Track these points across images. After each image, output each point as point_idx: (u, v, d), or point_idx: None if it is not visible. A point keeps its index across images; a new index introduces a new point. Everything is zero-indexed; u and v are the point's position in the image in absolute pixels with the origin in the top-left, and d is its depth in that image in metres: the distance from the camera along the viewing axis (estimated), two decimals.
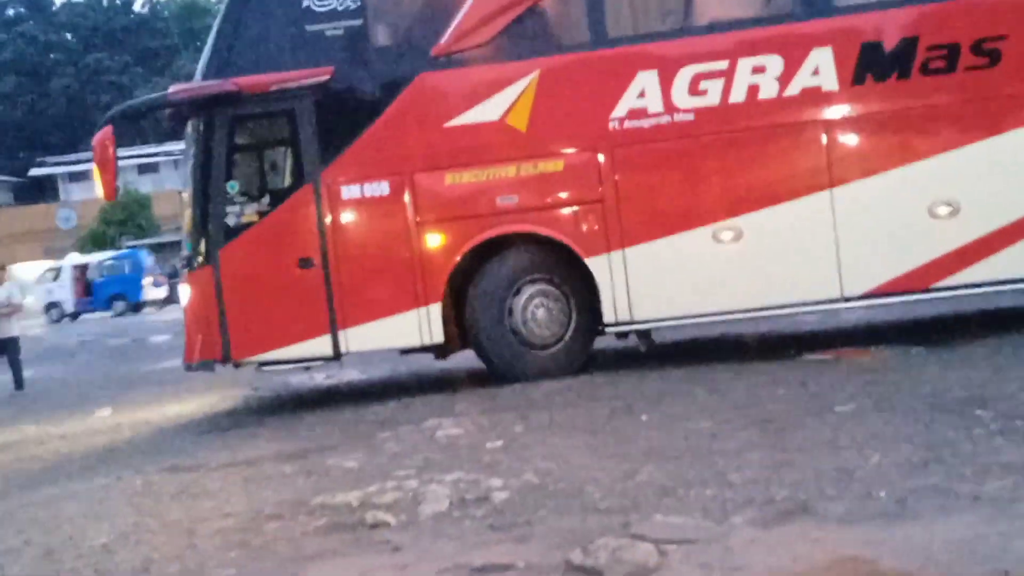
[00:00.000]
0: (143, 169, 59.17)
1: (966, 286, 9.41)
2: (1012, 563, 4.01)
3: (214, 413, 10.71)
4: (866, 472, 5.43)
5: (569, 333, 9.92)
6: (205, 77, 10.14)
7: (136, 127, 51.82)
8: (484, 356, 10.11)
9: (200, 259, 10.04)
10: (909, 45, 9.40)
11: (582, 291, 9.83)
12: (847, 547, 4.39)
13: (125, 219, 51.07)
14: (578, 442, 7.01)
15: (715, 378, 8.95)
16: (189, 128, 10.38)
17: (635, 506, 5.30)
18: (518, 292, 9.89)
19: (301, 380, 12.34)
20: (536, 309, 9.89)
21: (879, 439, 6.11)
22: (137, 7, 65.24)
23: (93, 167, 10.19)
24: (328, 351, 9.95)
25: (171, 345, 20.49)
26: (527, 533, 5.11)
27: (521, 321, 9.88)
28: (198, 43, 64.08)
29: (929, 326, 10.58)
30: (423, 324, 9.81)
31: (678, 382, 9.02)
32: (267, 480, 6.99)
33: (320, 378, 12.34)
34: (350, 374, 12.43)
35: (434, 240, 9.87)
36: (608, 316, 9.74)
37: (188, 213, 10.32)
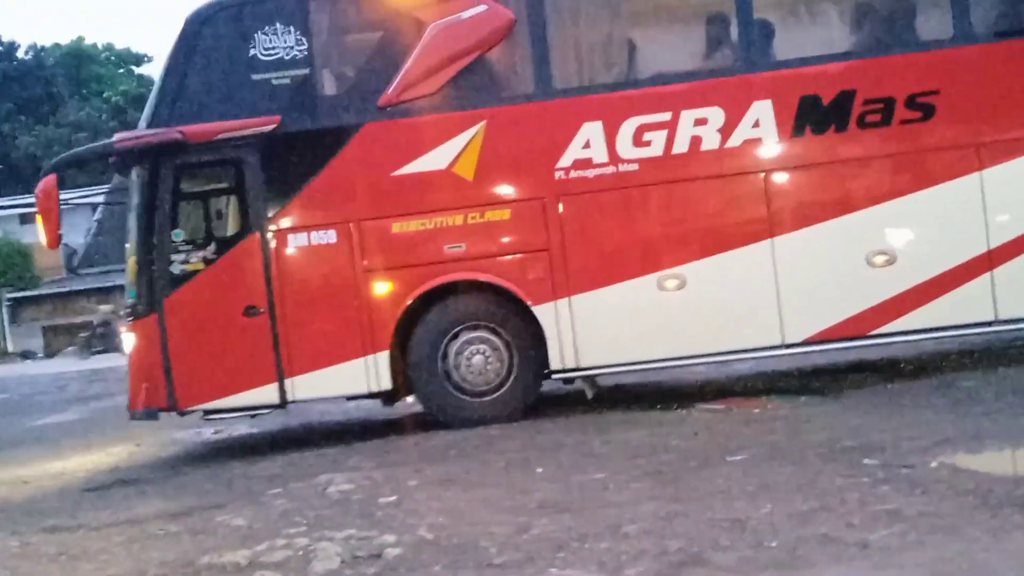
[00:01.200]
0: (24, 219, 57.60)
1: (903, 333, 9.59)
2: None
3: (97, 470, 10.34)
4: (758, 522, 5.47)
5: (510, 381, 9.88)
6: (150, 125, 9.99)
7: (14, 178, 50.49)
8: (423, 402, 10.09)
9: (145, 307, 9.87)
10: (846, 99, 9.64)
11: (524, 338, 9.82)
12: None
13: (4, 270, 49.53)
14: (473, 496, 6.93)
15: (610, 428, 8.97)
16: (133, 176, 10.21)
17: (530, 560, 5.24)
18: (455, 338, 9.85)
19: (188, 435, 12.03)
20: (472, 356, 9.85)
21: (770, 489, 6.17)
22: (21, 53, 63.70)
23: (36, 215, 9.96)
24: (275, 399, 9.84)
25: (54, 400, 19.89)
26: None
27: (454, 366, 9.84)
28: (84, 91, 63.08)
29: (818, 376, 10.77)
30: (371, 372, 9.74)
31: (573, 432, 9.01)
32: (151, 540, 6.74)
33: (208, 433, 12.04)
34: (240, 428, 12.15)
35: (381, 288, 9.82)
36: (555, 363, 9.76)
37: (132, 261, 10.13)
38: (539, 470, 7.56)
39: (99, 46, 65.58)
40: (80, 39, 64.72)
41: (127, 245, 10.42)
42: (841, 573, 4.58)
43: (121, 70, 65.07)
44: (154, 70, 76.82)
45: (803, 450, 7.16)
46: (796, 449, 7.22)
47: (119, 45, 66.34)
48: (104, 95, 61.76)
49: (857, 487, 5.97)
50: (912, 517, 5.24)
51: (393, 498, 7.06)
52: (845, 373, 10.56)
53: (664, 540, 5.30)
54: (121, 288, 39.80)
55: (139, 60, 65.95)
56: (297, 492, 7.71)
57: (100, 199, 48.16)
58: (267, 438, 11.20)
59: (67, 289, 46.97)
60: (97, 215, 48.76)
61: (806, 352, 10.12)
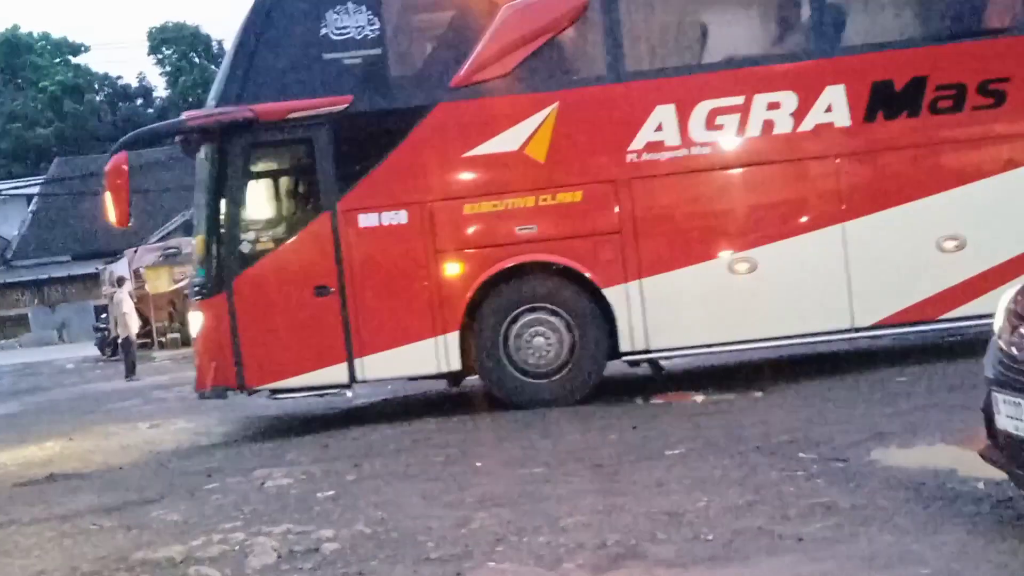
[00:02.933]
0: None
1: (971, 318, 9.58)
2: None
3: (29, 465, 10.16)
4: (694, 515, 5.51)
5: (572, 362, 9.83)
6: (220, 103, 9.90)
7: None
8: (488, 383, 10.06)
9: (214, 286, 9.80)
10: (919, 85, 9.71)
11: (589, 320, 9.79)
12: None
13: None
14: (412, 490, 6.91)
15: (549, 422, 8.99)
16: (202, 154, 10.10)
17: (468, 554, 5.24)
18: (516, 319, 9.81)
19: (123, 429, 11.86)
20: (533, 337, 9.82)
21: (707, 482, 6.22)
22: None
23: (105, 193, 9.86)
24: (344, 379, 9.82)
25: None
26: None
27: (516, 348, 9.81)
28: (19, 80, 61.93)
29: (755, 371, 10.87)
30: (440, 352, 9.73)
31: (513, 427, 9.03)
32: (85, 535, 6.63)
33: (144, 427, 11.88)
34: (178, 423, 12.01)
35: (452, 269, 9.80)
36: (624, 345, 9.75)
37: (200, 240, 10.05)
38: (478, 464, 7.56)
39: (35, 35, 64.37)
40: (16, 27, 63.51)
41: (195, 224, 10.40)
42: (776, 565, 4.63)
43: (58, 60, 63.96)
44: (91, 60, 75.78)
45: (740, 444, 7.23)
46: (733, 443, 7.29)
47: (56, 34, 65.22)
48: (40, 85, 60.71)
49: (792, 481, 6.04)
50: (846, 510, 5.31)
51: (331, 492, 7.02)
52: (782, 368, 10.67)
53: (602, 533, 5.32)
54: (57, 281, 39.18)
55: (76, 50, 64.89)
56: (234, 487, 7.64)
57: (36, 190, 47.50)
58: (204, 432, 11.07)
59: (1, 281, 46.18)
60: (32, 206, 47.96)
61: (873, 334, 10.15)
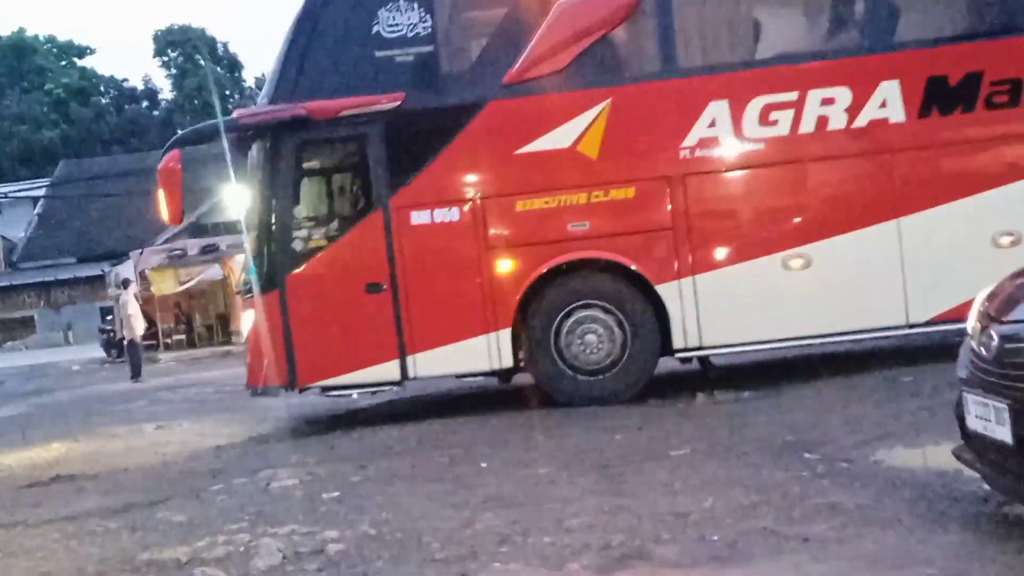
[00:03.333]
0: None
1: None
2: None
3: (35, 467, 10.17)
4: (700, 515, 5.50)
5: (623, 359, 9.80)
6: (272, 101, 9.92)
7: None
8: (538, 380, 10.03)
9: (266, 284, 9.84)
10: (974, 80, 9.68)
11: (641, 317, 9.77)
12: None
13: None
14: (417, 491, 6.91)
15: (554, 423, 9.00)
16: (254, 152, 10.12)
17: (473, 555, 5.23)
18: (567, 317, 9.79)
19: (129, 431, 11.88)
20: (585, 334, 9.79)
21: (712, 483, 6.21)
22: None
23: (158, 191, 9.90)
24: (395, 376, 9.83)
25: None
26: None
27: (567, 345, 9.79)
28: (24, 83, 62.06)
29: (760, 371, 10.86)
30: (492, 349, 9.74)
31: (518, 428, 9.03)
32: (90, 536, 6.64)
33: (150, 428, 11.90)
34: (183, 425, 12.02)
35: (504, 266, 9.80)
36: (678, 342, 9.73)
37: (253, 238, 10.08)
38: (483, 465, 7.55)
39: (41, 38, 64.54)
40: (21, 30, 63.70)
41: (246, 221, 10.44)
42: (781, 566, 4.62)
43: (63, 62, 64.17)
44: (97, 62, 75.92)
45: (745, 445, 7.23)
46: (738, 444, 7.29)
47: (61, 37, 65.42)
48: (46, 87, 60.87)
49: (798, 481, 6.03)
50: (851, 510, 5.30)
51: (336, 494, 7.02)
52: (787, 368, 10.66)
53: (607, 534, 5.31)
54: (63, 283, 39.22)
55: (82, 52, 65.13)
56: (239, 488, 7.64)
57: (42, 192, 47.59)
58: (209, 434, 11.07)
59: (6, 284, 46.27)
60: (38, 209, 48.07)
61: (930, 330, 10.01)
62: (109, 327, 30.09)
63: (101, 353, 30.45)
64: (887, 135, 9.76)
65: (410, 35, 9.83)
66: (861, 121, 9.74)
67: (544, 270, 9.77)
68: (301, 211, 10.13)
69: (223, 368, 21.86)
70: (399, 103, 9.75)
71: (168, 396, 16.28)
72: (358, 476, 7.61)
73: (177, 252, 30.86)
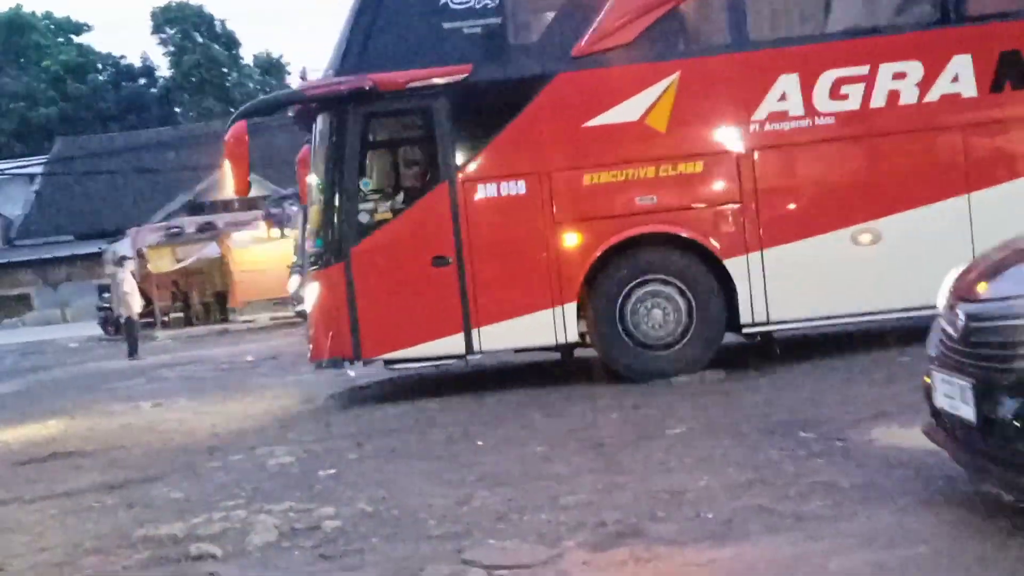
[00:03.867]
0: None
1: None
2: None
3: (32, 443, 10.18)
4: (695, 494, 5.51)
5: (689, 334, 9.77)
6: (338, 72, 9.87)
7: None
8: (602, 355, 9.98)
9: (331, 257, 9.82)
10: None
11: (707, 292, 9.73)
12: (676, 568, 4.44)
13: None
14: (413, 469, 6.93)
15: (551, 402, 9.01)
16: (320, 124, 10.08)
17: (468, 532, 5.25)
18: (632, 292, 9.75)
19: (126, 408, 11.89)
20: (651, 309, 9.75)
21: (708, 461, 6.23)
22: None
23: (226, 161, 9.90)
24: (460, 350, 9.80)
25: None
26: (358, 562, 5.00)
27: (632, 319, 9.73)
28: (22, 60, 61.79)
29: (758, 350, 10.87)
30: (558, 323, 9.68)
31: (515, 406, 9.04)
32: (87, 512, 6.66)
33: (146, 406, 11.90)
34: (180, 402, 12.02)
35: (571, 239, 9.74)
36: (745, 317, 9.69)
37: (317, 210, 10.06)
38: (480, 443, 7.57)
39: (38, 14, 64.23)
40: (18, 7, 63.38)
41: (311, 194, 10.40)
42: (775, 543, 4.63)
43: (61, 39, 63.88)
44: (94, 39, 75.53)
45: (740, 423, 7.24)
46: (733, 422, 7.30)
47: (59, 14, 65.12)
48: (43, 64, 60.63)
49: (793, 460, 6.04)
50: (846, 489, 5.31)
51: (333, 471, 7.04)
52: (784, 348, 10.66)
53: (602, 512, 5.33)
54: (60, 260, 38.92)
55: (79, 29, 64.86)
56: (236, 465, 7.66)
57: (39, 169, 47.47)
58: (206, 411, 11.08)
59: (3, 261, 46.20)
60: (35, 186, 47.94)
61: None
62: (106, 305, 30.06)
63: (98, 331, 30.45)
64: (959, 110, 9.69)
65: (478, 6, 9.76)
66: (933, 95, 9.67)
67: (611, 244, 9.71)
68: (367, 184, 10.06)
69: (221, 346, 21.89)
70: (467, 75, 9.71)
71: (165, 374, 16.29)
72: (355, 454, 7.63)
73: (174, 230, 30.78)
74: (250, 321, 29.38)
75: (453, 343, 9.77)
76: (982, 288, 4.79)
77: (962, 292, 4.79)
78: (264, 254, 28.18)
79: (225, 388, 12.76)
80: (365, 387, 11.42)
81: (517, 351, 10.61)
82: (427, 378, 11.37)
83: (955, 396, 4.56)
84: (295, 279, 20.20)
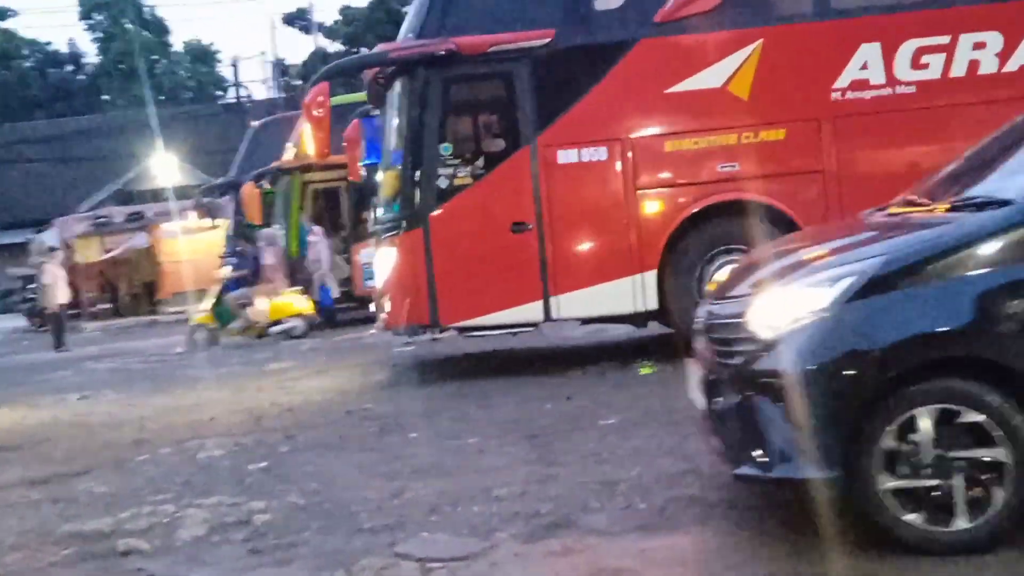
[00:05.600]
0: None
1: None
2: (763, 566, 4.16)
3: None
4: (628, 484, 5.54)
5: None
6: (419, 36, 9.73)
7: None
8: (678, 325, 9.73)
9: (409, 222, 9.66)
10: None
11: None
12: (609, 558, 4.46)
13: None
14: (345, 461, 6.89)
15: (485, 393, 9.00)
16: (399, 88, 9.92)
17: (401, 525, 5.23)
18: (712, 260, 9.67)
19: (52, 400, 11.65)
20: None
21: (641, 452, 6.26)
22: None
23: (306, 125, 9.65)
24: (538, 317, 9.72)
25: None
26: (289, 556, 4.96)
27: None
28: None
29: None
30: (637, 292, 9.62)
31: (449, 398, 9.02)
32: (10, 508, 6.52)
33: (74, 398, 11.68)
34: (108, 394, 11.81)
35: (652, 206, 9.67)
36: None
37: (393, 175, 9.95)
38: (413, 435, 7.54)
39: None
40: None
41: (387, 159, 10.31)
42: (707, 533, 4.67)
43: None
44: (19, 25, 73.70)
45: (672, 414, 7.26)
46: (666, 413, 7.32)
47: None
48: None
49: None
50: (776, 478, 5.35)
51: (264, 464, 6.97)
52: None
53: (536, 503, 5.34)
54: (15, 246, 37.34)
55: (4, 14, 63.17)
56: (165, 458, 7.55)
57: None
58: (135, 404, 10.89)
59: None
60: None
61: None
62: (32, 296, 29.47)
63: (24, 322, 29.83)
64: None
65: None
66: (1012, 66, 9.70)
67: (692, 211, 9.68)
68: (447, 149, 9.89)
69: (149, 338, 21.57)
70: (549, 40, 9.66)
71: (93, 366, 15.99)
72: (286, 446, 7.56)
73: (102, 220, 30.29)
74: (180, 312, 28.96)
75: (531, 311, 9.74)
76: (726, 287, 5.16)
77: (715, 291, 5.07)
78: (194, 244, 27.80)
79: (154, 380, 12.57)
80: (295, 378, 11.31)
81: (588, 321, 10.59)
82: (360, 368, 11.32)
83: (696, 385, 4.94)
84: (227, 269, 19.95)
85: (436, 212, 9.73)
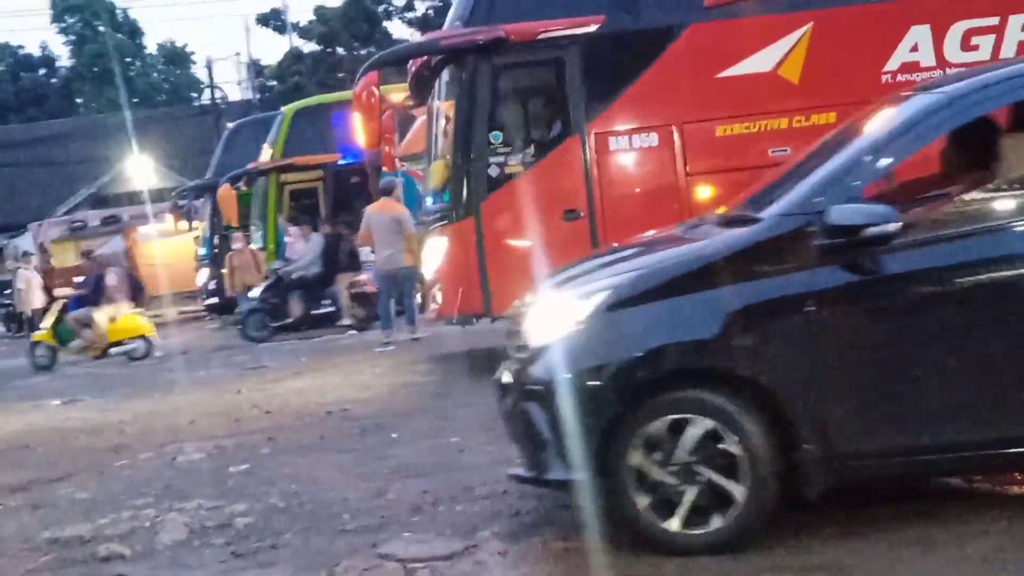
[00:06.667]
0: None
1: None
2: None
3: None
4: None
5: None
6: (467, 23, 9.69)
7: None
8: None
9: (460, 211, 9.62)
10: None
11: None
12: (591, 557, 4.46)
13: None
14: (327, 462, 6.87)
15: (464, 391, 8.99)
16: (448, 76, 9.90)
17: (384, 525, 5.22)
18: None
19: (29, 406, 11.57)
20: None
21: None
22: None
23: (356, 116, 9.71)
24: None
25: None
26: (272, 558, 4.94)
27: None
28: None
29: None
30: None
31: (430, 397, 9.02)
32: None
33: (52, 404, 11.60)
34: (86, 399, 11.74)
35: (704, 192, 9.62)
36: None
37: (442, 164, 9.88)
38: (394, 436, 7.53)
39: None
40: None
41: (436, 148, 10.25)
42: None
43: None
44: None
45: None
46: None
47: None
48: None
49: None
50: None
51: (244, 467, 6.94)
52: None
53: (518, 501, 5.33)
54: None
55: None
56: (144, 463, 7.51)
57: None
58: (113, 408, 10.83)
59: None
60: None
61: None
62: (8, 301, 29.28)
63: (0, 328, 29.62)
64: None
65: None
66: None
67: (744, 197, 9.66)
68: (496, 137, 9.84)
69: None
70: (599, 26, 9.64)
71: (71, 371, 15.90)
72: (267, 448, 7.53)
73: (78, 224, 30.11)
74: (157, 316, 28.81)
75: None
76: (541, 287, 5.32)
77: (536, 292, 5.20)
78: (171, 247, 27.66)
79: (132, 384, 12.50)
80: (276, 380, 11.28)
81: None
82: (340, 369, 11.30)
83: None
84: (204, 272, 19.91)
85: (486, 200, 9.71)
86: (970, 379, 4.32)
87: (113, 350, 16.35)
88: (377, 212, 13.02)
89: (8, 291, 29.81)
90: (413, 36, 43.55)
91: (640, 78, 9.81)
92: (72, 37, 60.72)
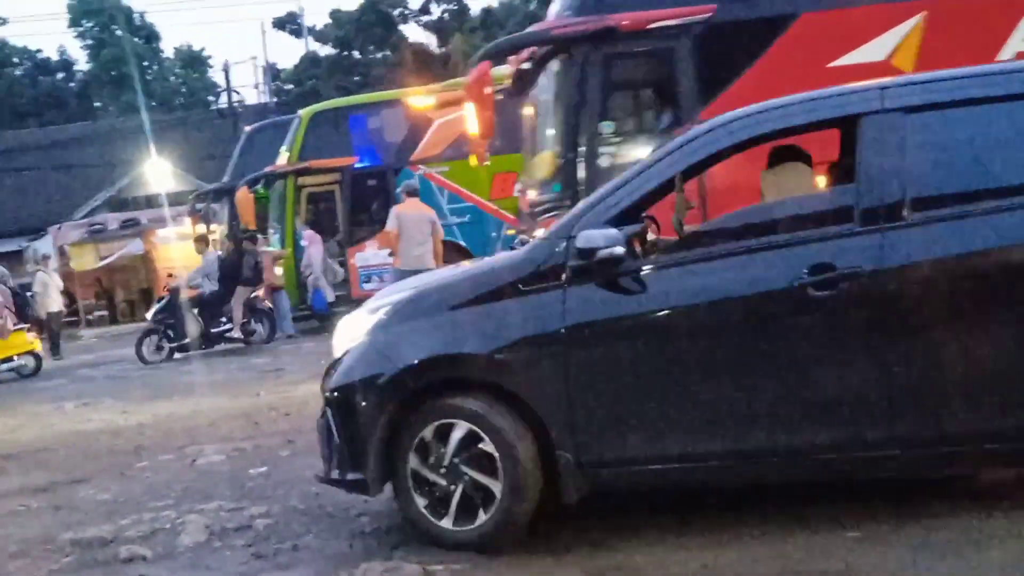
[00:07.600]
0: None
1: None
2: None
3: None
4: None
5: None
6: (576, 14, 9.67)
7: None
8: None
9: (572, 201, 9.38)
10: None
11: None
12: (618, 556, 4.47)
13: None
14: None
15: None
16: (555, 67, 9.88)
17: (403, 528, 5.22)
18: None
19: (50, 408, 11.66)
20: None
21: None
22: None
23: (469, 106, 9.70)
24: None
25: None
26: (292, 560, 4.96)
27: None
28: None
29: None
30: None
31: None
32: (11, 516, 6.53)
33: (71, 406, 11.68)
34: (105, 401, 11.82)
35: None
36: None
37: (552, 155, 9.85)
38: None
39: None
40: None
41: (544, 138, 10.21)
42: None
43: None
44: (9, 33, 73.56)
45: None
46: None
47: None
48: None
49: None
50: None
51: (264, 469, 6.98)
52: None
53: None
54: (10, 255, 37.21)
55: None
56: (164, 465, 7.56)
57: None
58: (133, 411, 10.91)
59: None
60: None
61: None
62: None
63: None
64: None
65: None
66: None
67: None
68: (607, 127, 9.82)
69: None
70: (710, 15, 9.60)
71: (90, 373, 16.01)
72: (286, 451, 7.57)
73: (97, 227, 30.27)
74: None
75: None
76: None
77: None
78: (190, 250, 27.75)
79: (152, 387, 12.58)
80: (294, 383, 11.32)
81: None
82: None
83: None
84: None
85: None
86: (699, 393, 4.51)
87: (2, 367, 16.43)
88: (411, 212, 13.04)
89: (29, 294, 30.05)
90: (429, 39, 43.72)
91: (751, 68, 9.71)
92: (90, 41, 61.04)
